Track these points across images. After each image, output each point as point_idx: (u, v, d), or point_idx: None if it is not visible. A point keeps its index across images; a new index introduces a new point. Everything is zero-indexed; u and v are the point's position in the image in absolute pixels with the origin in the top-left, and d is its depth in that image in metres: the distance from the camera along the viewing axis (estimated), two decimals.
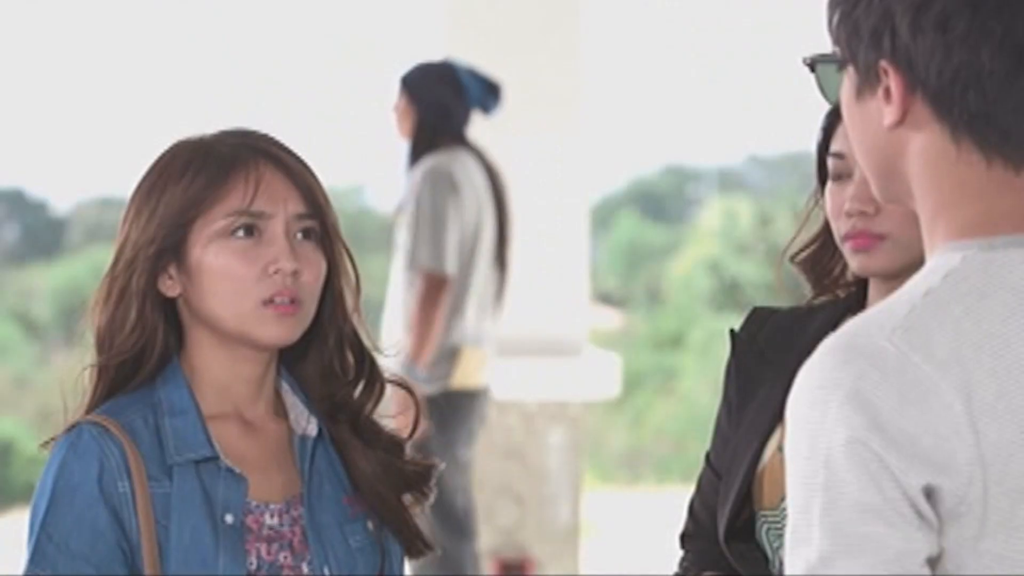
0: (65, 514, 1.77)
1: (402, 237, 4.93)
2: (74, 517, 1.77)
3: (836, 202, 1.97)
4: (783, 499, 1.91)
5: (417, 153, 4.93)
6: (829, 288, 2.07)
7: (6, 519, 7.48)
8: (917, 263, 1.88)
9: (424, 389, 4.82)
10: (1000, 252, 1.27)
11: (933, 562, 1.22)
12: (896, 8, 1.29)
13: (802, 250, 2.08)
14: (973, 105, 1.28)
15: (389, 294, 4.98)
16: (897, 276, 1.92)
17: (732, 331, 2.10)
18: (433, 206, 4.89)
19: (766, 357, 2.03)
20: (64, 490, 1.77)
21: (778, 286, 2.15)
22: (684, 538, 2.09)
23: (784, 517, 1.87)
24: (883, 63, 1.30)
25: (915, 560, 1.20)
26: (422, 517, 1.95)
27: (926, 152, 1.30)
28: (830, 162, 2.00)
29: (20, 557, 1.82)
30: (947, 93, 1.28)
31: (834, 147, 1.99)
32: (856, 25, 1.31)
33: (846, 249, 1.97)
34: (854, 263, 1.97)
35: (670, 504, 9.42)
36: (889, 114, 1.31)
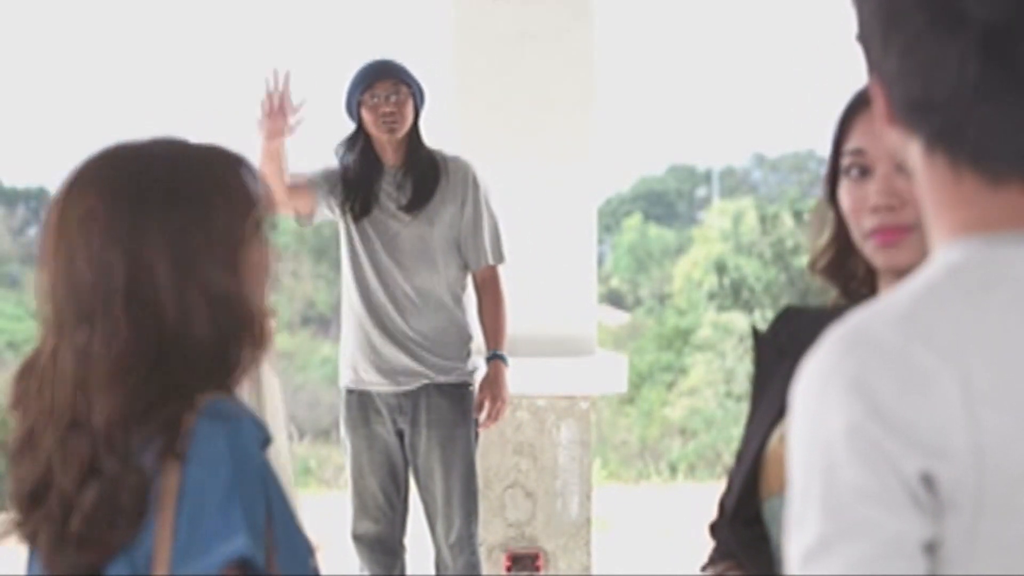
0: None
1: (444, 233, 4.74)
2: None
3: (856, 199, 1.90)
4: (783, 487, 1.92)
5: (419, 146, 4.75)
6: (856, 291, 1.99)
7: None
8: None
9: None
10: (1002, 247, 1.28)
11: (931, 548, 1.22)
12: (874, 26, 1.30)
13: (821, 257, 2.01)
14: (937, 126, 1.29)
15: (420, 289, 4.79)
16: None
17: (754, 328, 2.08)
18: (490, 202, 4.80)
19: (784, 353, 1.98)
20: None
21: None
22: (712, 528, 2.10)
23: (783, 504, 1.94)
24: (871, 71, 1.33)
25: (911, 544, 1.21)
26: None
27: (918, 155, 1.32)
28: (848, 159, 1.92)
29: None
30: (912, 114, 1.30)
31: (853, 143, 1.92)
32: (858, 26, 1.33)
33: (870, 245, 1.89)
34: (880, 259, 1.89)
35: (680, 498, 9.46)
36: (881, 117, 1.34)
